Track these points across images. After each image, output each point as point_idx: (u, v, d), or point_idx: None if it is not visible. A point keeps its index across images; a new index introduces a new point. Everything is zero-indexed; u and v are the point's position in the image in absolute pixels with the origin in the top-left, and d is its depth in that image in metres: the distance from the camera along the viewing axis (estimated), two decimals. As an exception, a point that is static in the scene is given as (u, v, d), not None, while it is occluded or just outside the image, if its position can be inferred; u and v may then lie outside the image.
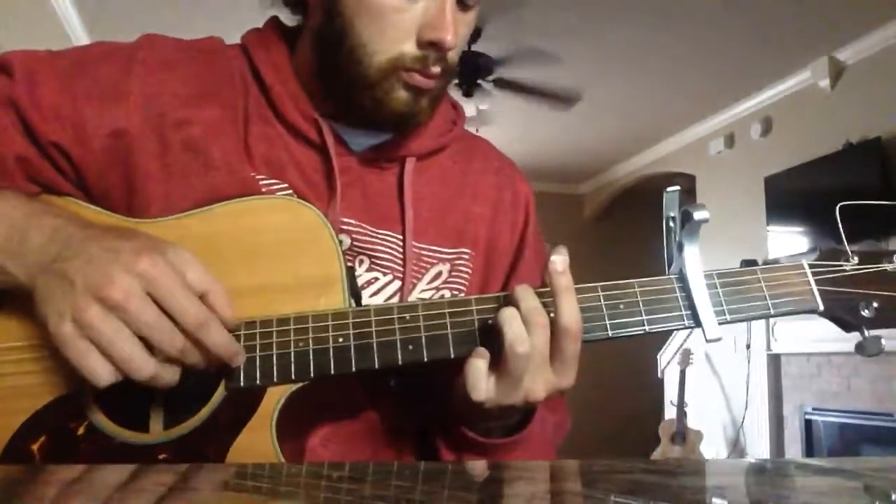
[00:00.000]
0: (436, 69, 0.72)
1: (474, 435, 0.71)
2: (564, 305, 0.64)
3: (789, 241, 4.39)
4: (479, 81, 4.17)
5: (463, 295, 0.81)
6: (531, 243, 0.88)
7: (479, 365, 0.64)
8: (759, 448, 4.49)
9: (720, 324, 0.67)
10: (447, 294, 0.80)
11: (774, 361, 4.44)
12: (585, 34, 3.91)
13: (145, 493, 0.44)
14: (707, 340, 0.67)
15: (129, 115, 0.72)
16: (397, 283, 0.77)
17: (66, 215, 0.66)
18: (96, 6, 3.70)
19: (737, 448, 4.76)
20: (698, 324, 0.67)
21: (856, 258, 0.72)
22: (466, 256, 0.82)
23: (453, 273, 0.81)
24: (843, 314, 0.71)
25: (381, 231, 0.77)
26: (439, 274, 0.80)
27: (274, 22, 0.82)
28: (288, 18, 0.82)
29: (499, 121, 5.00)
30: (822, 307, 0.70)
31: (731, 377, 4.83)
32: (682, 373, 4.85)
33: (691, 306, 0.68)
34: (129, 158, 0.71)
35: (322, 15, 0.74)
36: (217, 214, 0.69)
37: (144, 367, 0.58)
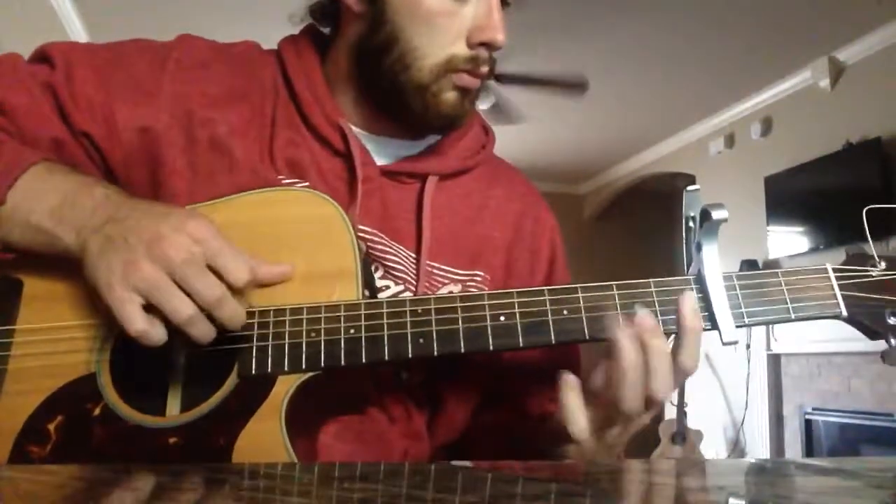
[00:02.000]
0: (484, 69, 0.75)
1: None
2: (692, 347, 0.62)
3: (789, 241, 4.38)
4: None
5: None
6: (559, 278, 0.87)
7: (572, 402, 0.63)
8: (759, 448, 4.49)
9: (738, 327, 0.65)
10: None
11: (774, 361, 4.44)
12: (585, 34, 3.91)
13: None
14: (723, 343, 0.65)
15: (158, 112, 0.74)
16: (408, 295, 0.77)
17: (114, 187, 0.68)
18: (96, 6, 3.70)
19: (737, 448, 4.76)
20: (715, 326, 0.65)
21: (883, 263, 0.69)
22: (479, 278, 0.82)
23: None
24: (867, 321, 0.68)
25: (395, 244, 0.78)
26: (450, 294, 0.79)
27: (309, 30, 0.84)
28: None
29: (499, 121, 5.00)
30: (845, 312, 0.67)
31: (731, 377, 4.83)
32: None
33: (708, 308, 0.66)
34: (156, 154, 0.74)
35: (366, 24, 0.76)
36: (238, 204, 0.70)
37: (186, 313, 0.60)
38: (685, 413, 4.78)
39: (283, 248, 0.68)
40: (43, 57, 0.76)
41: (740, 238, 4.72)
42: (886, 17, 3.68)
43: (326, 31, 0.84)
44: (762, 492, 0.48)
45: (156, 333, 0.60)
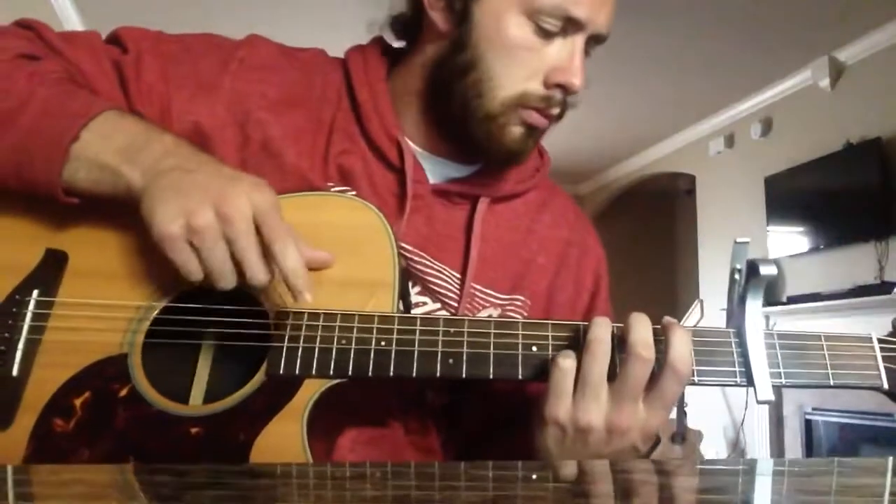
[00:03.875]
0: (555, 111, 0.74)
1: None
2: (678, 343, 0.62)
3: (789, 241, 4.39)
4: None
5: None
6: (601, 312, 0.85)
7: (566, 366, 0.63)
8: (759, 448, 4.49)
9: (775, 386, 0.64)
10: None
11: (774, 361, 4.44)
12: (585, 34, 3.91)
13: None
14: (758, 402, 0.64)
15: (214, 106, 0.75)
16: (445, 314, 0.77)
17: (185, 138, 0.69)
18: (96, 7, 3.70)
19: (737, 448, 4.76)
20: (751, 383, 0.64)
21: None
22: (519, 303, 0.81)
23: (503, 317, 0.80)
24: None
25: (437, 263, 0.77)
26: (490, 317, 0.78)
27: (378, 42, 0.84)
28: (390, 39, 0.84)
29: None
30: (886, 385, 0.66)
31: (731, 377, 4.83)
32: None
33: (746, 364, 0.65)
34: (206, 147, 0.73)
35: (448, 45, 0.75)
36: (285, 205, 0.70)
37: (230, 278, 0.61)
38: (685, 413, 4.78)
39: (323, 250, 0.68)
40: (117, 39, 0.78)
41: (740, 238, 4.72)
42: (886, 17, 3.68)
43: (397, 45, 0.84)
44: (762, 492, 0.48)
45: (195, 268, 0.61)
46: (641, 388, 0.63)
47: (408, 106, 0.80)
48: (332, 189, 0.75)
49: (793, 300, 4.12)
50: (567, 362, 0.62)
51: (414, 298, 0.76)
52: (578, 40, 0.73)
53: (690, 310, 5.44)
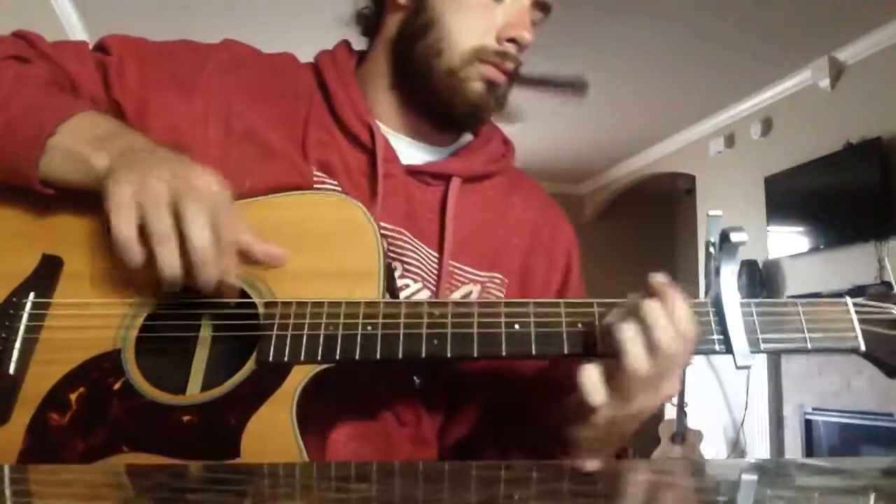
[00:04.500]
0: (510, 66, 0.80)
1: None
2: (680, 311, 0.62)
3: (789, 241, 4.38)
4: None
5: None
6: (574, 287, 0.89)
7: (591, 374, 0.63)
8: (759, 448, 4.49)
9: (753, 352, 0.65)
10: None
11: (775, 361, 4.44)
12: (585, 34, 3.91)
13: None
14: (737, 367, 0.65)
15: (192, 105, 0.79)
16: (427, 293, 0.80)
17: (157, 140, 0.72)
18: (96, 7, 3.70)
19: (737, 448, 4.76)
20: (729, 349, 0.65)
21: None
22: (498, 281, 0.84)
23: (483, 294, 0.83)
24: (886, 357, 0.67)
25: (417, 241, 0.80)
26: (469, 293, 0.82)
27: (344, 43, 0.90)
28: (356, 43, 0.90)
29: (498, 121, 4.99)
30: (863, 347, 0.66)
31: (731, 377, 4.83)
32: (682, 373, 4.84)
33: (724, 331, 0.66)
34: (187, 143, 0.76)
35: (408, 13, 0.82)
36: (269, 204, 0.74)
37: (164, 225, 0.61)
38: (685, 413, 4.78)
39: (309, 245, 0.71)
40: (102, 46, 0.82)
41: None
42: (886, 17, 3.68)
43: (361, 49, 0.89)
44: (762, 492, 0.48)
45: (136, 249, 0.62)
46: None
47: (377, 90, 0.85)
48: (316, 175, 0.79)
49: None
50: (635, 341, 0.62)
51: (397, 282, 0.78)
52: (525, 0, 0.81)
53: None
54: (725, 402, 4.92)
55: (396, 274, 0.78)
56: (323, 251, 0.70)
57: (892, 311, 0.68)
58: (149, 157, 0.65)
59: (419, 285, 0.79)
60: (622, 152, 6.11)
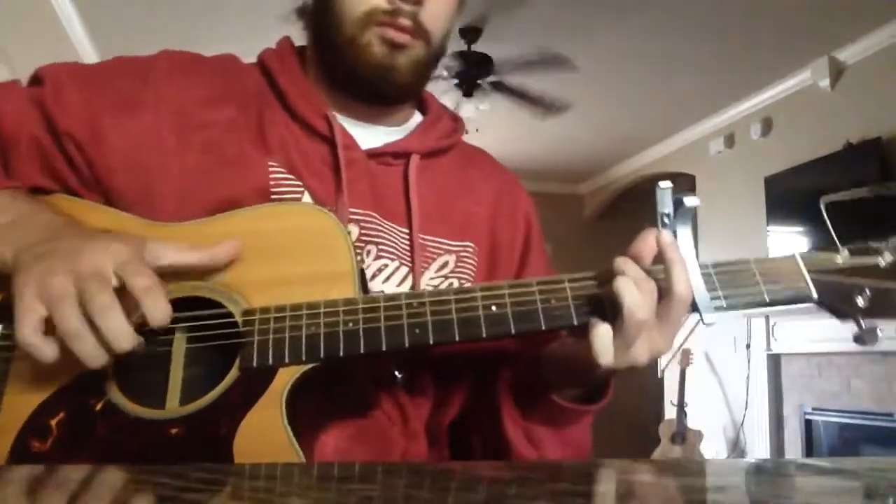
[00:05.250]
0: (405, 22, 0.78)
1: (561, 400, 0.76)
2: (680, 274, 0.66)
3: (789, 241, 4.38)
4: (478, 82, 4.17)
5: (471, 286, 0.83)
6: (536, 251, 0.92)
7: (605, 331, 0.66)
8: (759, 448, 4.49)
9: (717, 310, 0.69)
10: (455, 283, 0.84)
11: (774, 361, 4.44)
12: (585, 34, 3.91)
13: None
14: (704, 324, 0.68)
15: (144, 121, 0.78)
16: (405, 269, 0.81)
17: (65, 215, 0.72)
18: (97, 9, 3.70)
19: (737, 448, 4.76)
20: (695, 308, 0.68)
21: (846, 252, 0.73)
22: (471, 250, 0.87)
23: (459, 264, 0.85)
24: (837, 303, 0.72)
25: (387, 222, 0.82)
26: (446, 264, 0.84)
27: (285, 39, 0.90)
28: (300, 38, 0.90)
29: (499, 121, 5.00)
30: (815, 295, 0.71)
31: (731, 377, 4.83)
32: (682, 373, 4.85)
33: None
34: (144, 161, 0.76)
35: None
36: (237, 218, 0.73)
37: (71, 323, 0.59)
38: (685, 413, 4.78)
39: (281, 255, 0.71)
40: (35, 78, 0.81)
41: (740, 238, 4.72)
42: (886, 17, 3.68)
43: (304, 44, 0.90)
44: (762, 492, 0.48)
45: (45, 349, 0.60)
46: (655, 319, 0.68)
47: (319, 80, 0.86)
48: (276, 174, 0.78)
49: (793, 300, 4.12)
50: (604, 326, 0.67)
51: (375, 265, 0.80)
52: None
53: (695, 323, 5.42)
54: (725, 402, 4.92)
55: (372, 257, 0.80)
56: (294, 260, 0.71)
57: (836, 259, 0.73)
58: (51, 249, 0.63)
59: (396, 263, 0.81)
60: (622, 152, 6.11)
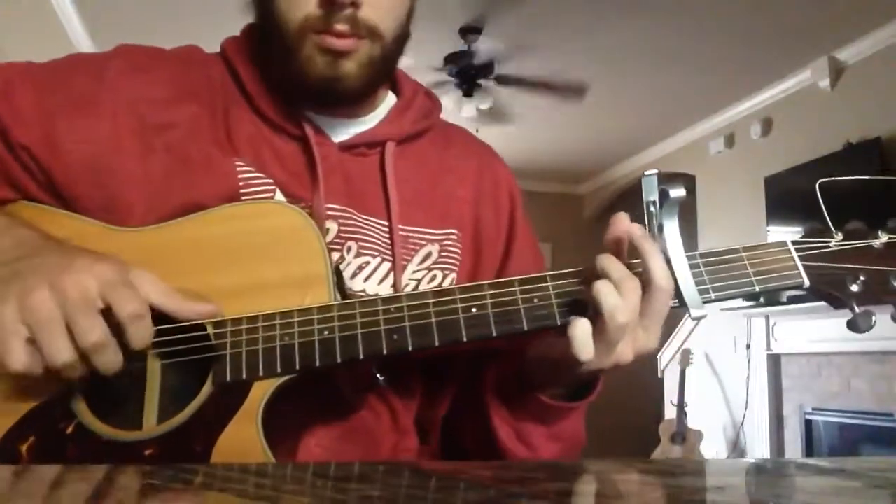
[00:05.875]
0: (342, 27, 0.72)
1: (549, 399, 0.74)
2: (656, 266, 0.65)
3: (789, 241, 4.38)
4: (479, 81, 4.17)
5: (454, 276, 0.82)
6: (521, 227, 0.89)
7: (584, 327, 0.65)
8: (759, 448, 4.49)
9: (705, 302, 0.67)
10: (439, 274, 0.81)
11: (774, 361, 4.44)
12: (585, 34, 3.91)
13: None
14: (692, 318, 0.67)
15: (101, 123, 0.74)
16: (387, 265, 0.78)
17: (39, 230, 0.68)
18: (97, 9, 3.70)
19: (737, 448, 4.76)
20: (682, 303, 0.67)
21: (840, 235, 0.72)
22: (454, 237, 0.83)
23: (443, 253, 0.82)
24: (830, 289, 0.70)
25: (365, 216, 0.79)
26: (429, 255, 0.81)
27: (249, 27, 0.85)
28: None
29: (499, 121, 5.00)
30: (807, 283, 0.69)
31: (731, 377, 4.83)
32: (682, 373, 4.85)
33: (675, 286, 0.67)
34: (105, 167, 0.73)
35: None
36: (204, 220, 0.70)
37: (61, 358, 0.58)
38: (685, 413, 4.78)
39: (251, 259, 0.68)
40: None
41: (740, 238, 4.71)
42: (886, 17, 3.68)
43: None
44: (762, 492, 0.48)
45: (35, 370, 0.58)
46: (638, 316, 0.66)
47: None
48: (244, 173, 0.75)
49: (792, 300, 4.11)
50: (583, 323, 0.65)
51: (355, 262, 0.77)
52: None
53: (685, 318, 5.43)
54: (725, 402, 4.92)
55: (353, 254, 0.77)
56: (265, 263, 0.68)
57: (829, 244, 0.71)
58: (30, 266, 0.61)
59: (378, 259, 0.78)
60: (622, 152, 6.11)
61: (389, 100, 0.86)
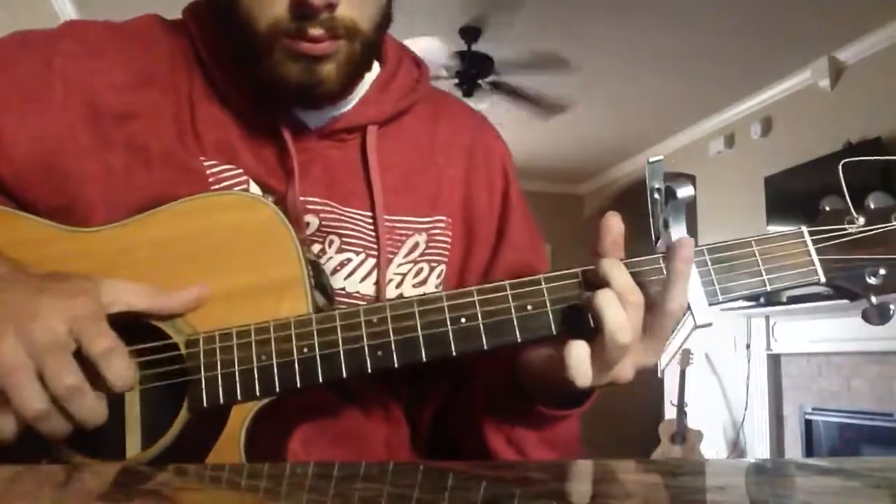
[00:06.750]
0: (316, 31, 0.65)
1: (541, 407, 0.69)
2: (678, 291, 0.59)
3: (789, 241, 4.38)
4: (479, 81, 4.17)
5: (443, 267, 0.78)
6: (516, 207, 0.83)
7: (582, 352, 0.59)
8: (759, 448, 4.49)
9: (711, 304, 0.62)
10: (425, 268, 0.76)
11: (774, 361, 4.44)
12: (585, 34, 3.91)
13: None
14: (696, 326, 0.62)
15: (53, 115, 0.68)
16: (372, 261, 0.74)
17: (10, 263, 0.62)
18: (97, 9, 3.69)
19: (737, 448, 4.75)
20: (687, 308, 0.62)
21: (861, 218, 0.65)
22: (443, 224, 0.78)
23: (431, 243, 0.77)
24: (846, 284, 0.63)
25: (348, 209, 0.73)
26: (416, 245, 0.76)
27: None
28: None
29: (499, 120, 5.00)
30: (823, 279, 0.63)
31: (731, 377, 4.83)
32: (682, 373, 4.84)
33: None
34: (60, 163, 0.67)
35: None
36: (165, 218, 0.65)
37: (32, 408, 0.54)
38: (685, 413, 4.78)
39: (219, 262, 0.63)
40: None
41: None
42: (886, 17, 3.68)
43: None
44: (762, 492, 0.48)
45: (5, 428, 0.55)
46: (640, 333, 0.61)
47: None
48: (212, 169, 0.69)
49: (793, 300, 4.12)
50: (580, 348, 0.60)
51: (337, 258, 0.72)
52: None
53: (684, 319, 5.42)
54: (725, 402, 4.92)
55: (334, 249, 0.72)
56: (236, 264, 0.63)
57: (849, 229, 0.64)
58: None
59: (362, 255, 0.73)
60: (622, 152, 6.11)
61: (373, 71, 0.78)
